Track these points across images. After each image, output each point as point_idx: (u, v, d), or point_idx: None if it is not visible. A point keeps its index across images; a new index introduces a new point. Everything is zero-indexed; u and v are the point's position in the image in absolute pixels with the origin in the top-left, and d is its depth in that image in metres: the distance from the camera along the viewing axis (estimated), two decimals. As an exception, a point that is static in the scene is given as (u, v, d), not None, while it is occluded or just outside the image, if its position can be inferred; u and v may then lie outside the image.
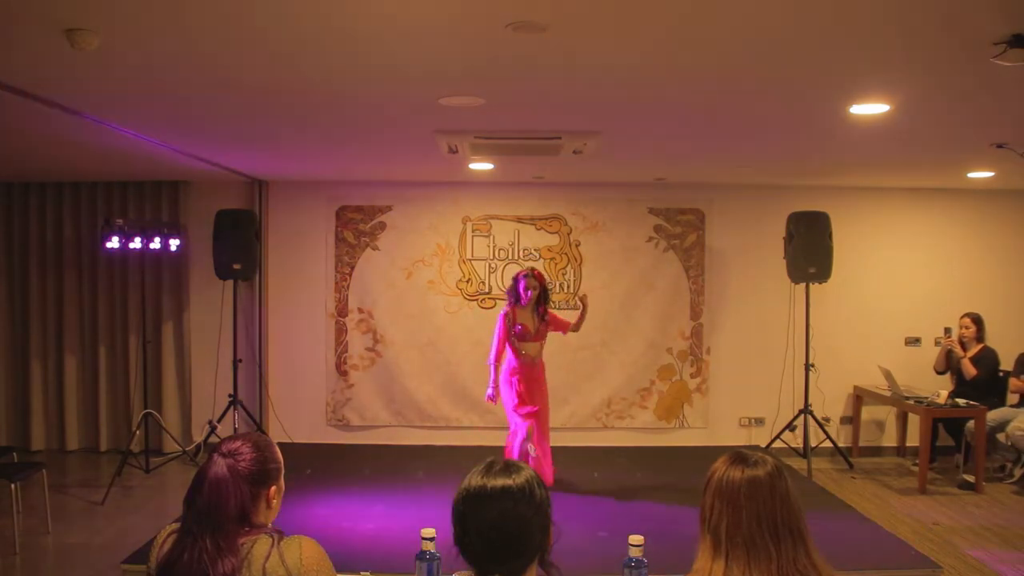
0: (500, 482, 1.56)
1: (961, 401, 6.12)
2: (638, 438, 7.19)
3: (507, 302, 5.56)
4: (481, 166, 6.11)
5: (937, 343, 7.01)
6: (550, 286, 6.19)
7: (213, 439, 6.64)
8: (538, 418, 5.41)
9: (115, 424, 7.12)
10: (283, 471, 1.85)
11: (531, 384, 5.45)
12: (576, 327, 5.65)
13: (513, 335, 5.42)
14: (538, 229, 7.21)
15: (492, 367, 5.47)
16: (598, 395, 7.18)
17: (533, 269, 5.60)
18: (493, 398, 5.47)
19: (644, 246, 7.18)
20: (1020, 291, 7.23)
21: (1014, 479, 6.14)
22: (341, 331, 7.20)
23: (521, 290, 5.40)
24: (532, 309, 5.46)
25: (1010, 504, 5.69)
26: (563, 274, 7.20)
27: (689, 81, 3.58)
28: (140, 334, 6.79)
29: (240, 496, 1.71)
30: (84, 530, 5.06)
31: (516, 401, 5.38)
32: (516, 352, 5.45)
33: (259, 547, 1.69)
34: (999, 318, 6.79)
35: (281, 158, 5.96)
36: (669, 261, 7.19)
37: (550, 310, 5.59)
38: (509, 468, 1.59)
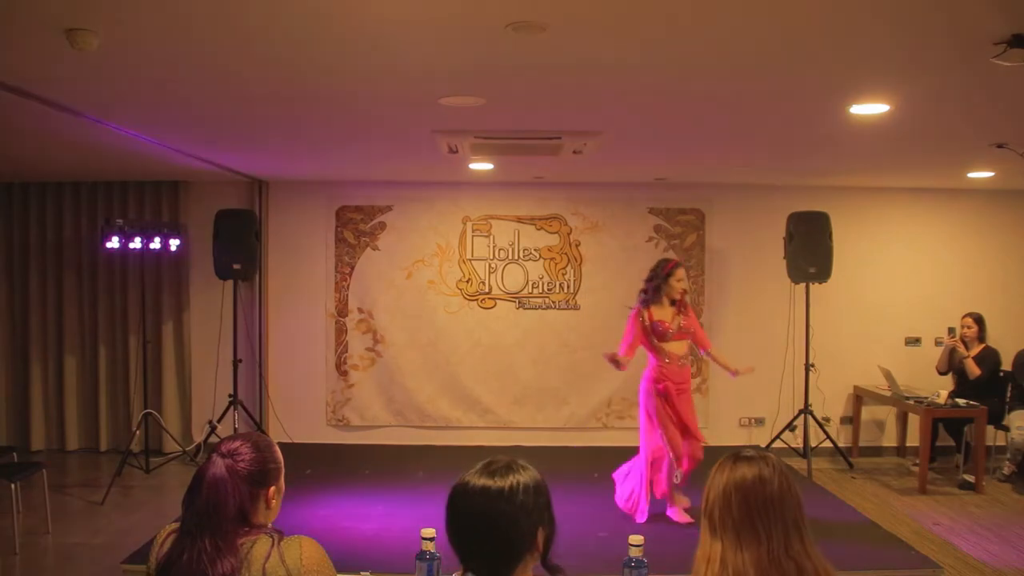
0: (483, 482, 1.56)
1: (961, 401, 6.12)
2: (638, 438, 7.16)
3: (639, 298, 4.90)
4: (481, 166, 6.11)
5: (938, 343, 7.02)
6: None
7: (213, 439, 6.65)
8: (685, 435, 4.81)
9: (115, 424, 7.12)
10: (283, 471, 1.85)
11: (681, 395, 4.83)
12: (713, 354, 5.12)
13: (652, 335, 4.78)
14: (538, 229, 7.21)
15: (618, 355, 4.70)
16: (598, 395, 7.16)
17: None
18: (614, 361, 4.70)
19: (644, 246, 7.18)
20: (1020, 291, 7.23)
21: (1005, 474, 6.21)
22: (341, 331, 7.20)
23: (674, 281, 4.77)
24: (671, 303, 4.82)
25: (1010, 504, 5.69)
26: (563, 274, 7.20)
27: (689, 81, 3.58)
28: (140, 334, 6.80)
29: (239, 496, 1.71)
30: (84, 530, 5.05)
31: (656, 421, 4.78)
32: (659, 354, 4.79)
33: (259, 547, 1.69)
34: (999, 318, 6.79)
35: (281, 158, 5.96)
36: (669, 261, 7.18)
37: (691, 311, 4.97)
38: (503, 469, 1.57)
